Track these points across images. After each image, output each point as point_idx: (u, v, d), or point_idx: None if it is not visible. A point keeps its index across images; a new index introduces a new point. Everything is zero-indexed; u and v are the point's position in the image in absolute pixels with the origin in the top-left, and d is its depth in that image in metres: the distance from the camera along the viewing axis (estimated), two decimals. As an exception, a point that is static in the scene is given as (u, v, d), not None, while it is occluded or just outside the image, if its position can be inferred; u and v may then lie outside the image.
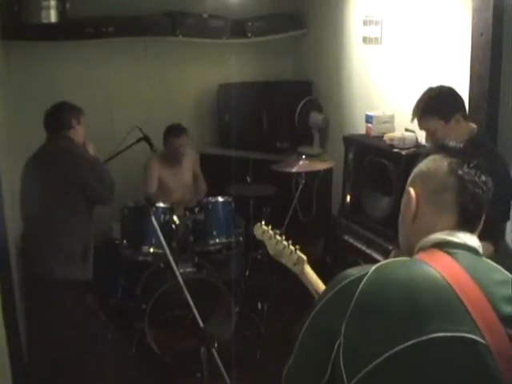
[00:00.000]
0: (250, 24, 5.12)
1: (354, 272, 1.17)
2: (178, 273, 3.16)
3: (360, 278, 1.14)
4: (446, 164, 1.27)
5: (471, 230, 1.26)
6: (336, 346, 1.10)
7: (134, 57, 5.00)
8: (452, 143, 1.35)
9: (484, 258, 1.24)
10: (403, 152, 3.41)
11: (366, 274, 1.14)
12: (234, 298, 3.79)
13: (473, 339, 1.06)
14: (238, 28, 5.13)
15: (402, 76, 3.95)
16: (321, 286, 1.71)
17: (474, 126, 2.71)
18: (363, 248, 3.68)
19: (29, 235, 3.39)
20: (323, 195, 4.91)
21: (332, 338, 1.11)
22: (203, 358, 3.04)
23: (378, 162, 3.59)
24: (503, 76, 3.00)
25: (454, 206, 1.24)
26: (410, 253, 1.27)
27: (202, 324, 3.07)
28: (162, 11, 4.97)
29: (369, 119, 3.98)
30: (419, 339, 1.04)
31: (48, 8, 4.25)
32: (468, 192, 1.24)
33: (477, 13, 3.03)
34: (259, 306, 4.11)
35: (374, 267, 1.16)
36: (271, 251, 1.84)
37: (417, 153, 3.38)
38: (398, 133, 3.71)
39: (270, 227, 1.88)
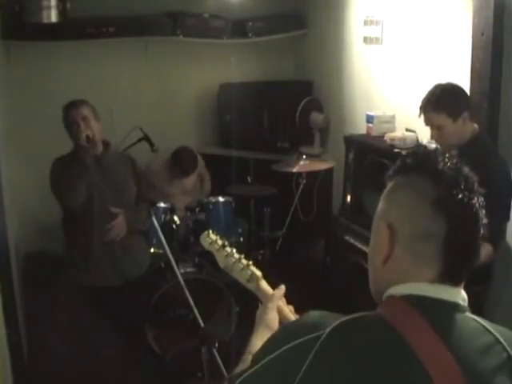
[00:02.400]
0: (250, 24, 5.12)
1: (309, 329, 1.01)
2: (178, 273, 3.15)
3: (315, 339, 0.98)
4: (430, 200, 1.01)
5: (457, 283, 1.04)
6: None
7: (135, 57, 5.00)
8: (441, 164, 1.05)
9: (468, 316, 1.03)
10: (404, 152, 3.40)
11: (322, 334, 0.98)
12: (235, 297, 3.78)
13: None
14: (239, 28, 5.13)
15: (403, 76, 3.95)
16: (280, 305, 1.52)
17: (476, 126, 2.71)
18: (364, 248, 3.67)
19: None
20: (324, 195, 4.91)
21: None
22: (204, 358, 3.03)
23: (378, 162, 3.59)
24: (504, 76, 3.00)
25: (439, 256, 1.02)
26: (378, 297, 1.09)
27: (202, 324, 3.07)
28: (162, 11, 4.97)
29: (369, 119, 3.98)
30: None
31: (49, 8, 4.25)
32: (457, 242, 1.01)
33: (477, 12, 3.03)
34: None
35: (330, 328, 0.99)
36: (221, 264, 1.61)
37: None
38: (399, 133, 3.71)
39: (218, 237, 1.64)
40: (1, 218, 2.81)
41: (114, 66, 4.91)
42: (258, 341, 1.31)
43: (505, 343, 1.01)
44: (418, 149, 1.23)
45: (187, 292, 3.10)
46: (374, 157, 3.67)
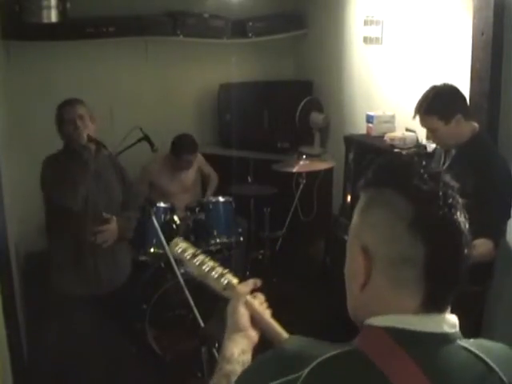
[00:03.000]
0: (250, 24, 5.12)
1: (287, 364, 0.92)
2: (178, 273, 3.15)
3: (293, 381, 0.89)
4: (408, 221, 0.91)
5: (442, 309, 0.94)
6: None
7: (135, 57, 5.00)
8: (416, 179, 0.93)
9: (457, 345, 0.94)
10: (404, 152, 3.40)
11: (300, 377, 0.89)
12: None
13: None
14: (239, 28, 5.13)
15: (403, 76, 3.95)
16: (247, 299, 1.42)
17: (476, 125, 2.70)
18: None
19: None
20: (324, 195, 4.91)
21: None
22: (204, 358, 3.04)
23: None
24: (504, 75, 3.00)
25: (420, 282, 0.91)
26: (358, 322, 0.99)
27: (202, 324, 3.07)
28: (162, 11, 4.97)
29: (369, 119, 3.98)
30: None
31: (49, 8, 4.25)
32: (440, 262, 0.91)
33: (477, 12, 3.03)
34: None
35: (307, 369, 0.89)
36: (194, 272, 1.50)
37: (417, 153, 3.38)
38: (399, 133, 3.71)
39: (189, 245, 1.51)
40: (1, 218, 2.81)
41: (113, 66, 4.91)
42: (230, 345, 1.24)
43: (498, 370, 0.93)
44: (391, 157, 1.09)
45: (187, 292, 3.10)
46: (373, 157, 3.66)
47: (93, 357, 3.00)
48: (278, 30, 5.26)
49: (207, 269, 1.47)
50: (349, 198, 3.98)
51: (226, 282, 1.45)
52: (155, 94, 5.14)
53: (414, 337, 0.91)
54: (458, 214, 0.92)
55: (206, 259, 1.49)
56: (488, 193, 2.46)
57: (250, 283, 1.38)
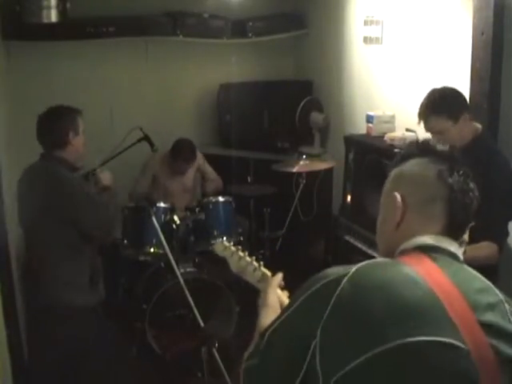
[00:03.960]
0: (250, 24, 5.12)
1: (332, 273, 1.13)
2: (178, 273, 3.16)
3: (339, 279, 1.10)
4: (434, 172, 1.23)
5: (456, 238, 1.23)
6: (312, 346, 1.06)
7: (135, 57, 5.00)
8: (439, 146, 1.28)
9: (465, 266, 1.21)
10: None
11: (346, 274, 1.10)
12: (235, 297, 3.78)
13: (454, 344, 1.03)
14: (239, 28, 5.13)
15: (403, 76, 3.95)
16: (277, 292, 1.62)
17: (478, 125, 2.70)
18: (364, 248, 3.67)
19: (30, 258, 3.06)
20: (324, 195, 4.91)
21: (308, 338, 1.07)
22: (204, 358, 3.04)
23: (378, 162, 3.59)
24: (504, 75, 3.00)
25: (443, 216, 1.21)
26: (390, 256, 1.23)
27: (202, 324, 3.07)
28: (162, 11, 4.97)
29: (369, 119, 3.98)
30: (399, 342, 1.01)
31: (49, 8, 4.25)
32: (458, 203, 1.21)
33: (477, 12, 3.03)
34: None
35: (354, 268, 1.11)
36: (233, 268, 1.76)
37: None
38: (399, 133, 3.71)
39: (231, 243, 1.81)
40: (1, 218, 2.81)
41: (113, 66, 4.91)
42: (264, 322, 1.38)
43: (497, 290, 1.17)
44: (416, 140, 1.45)
45: (187, 292, 3.10)
46: (374, 157, 3.67)
47: (93, 357, 3.00)
48: (278, 30, 5.26)
49: (245, 264, 1.72)
50: (349, 197, 3.98)
51: (260, 274, 1.69)
52: (155, 94, 5.14)
53: (436, 250, 1.18)
54: (471, 185, 1.23)
55: (245, 254, 1.74)
56: (491, 194, 2.44)
57: (280, 276, 1.64)
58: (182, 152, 4.34)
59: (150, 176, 4.45)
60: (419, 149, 1.29)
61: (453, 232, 1.22)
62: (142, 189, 4.41)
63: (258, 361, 1.16)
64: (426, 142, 1.31)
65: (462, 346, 1.03)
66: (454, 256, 1.20)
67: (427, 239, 1.20)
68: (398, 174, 1.29)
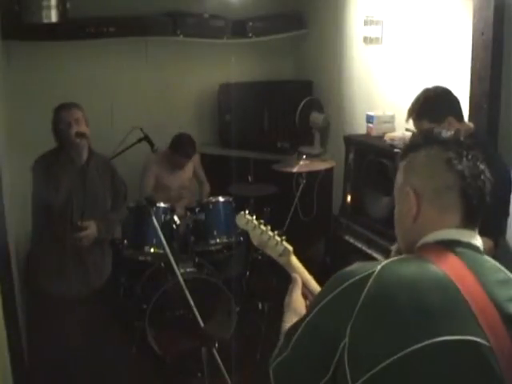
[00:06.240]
0: (250, 24, 5.12)
1: (357, 271, 1.14)
2: (178, 273, 3.16)
3: (365, 278, 1.11)
4: (443, 160, 1.22)
5: (474, 226, 1.24)
6: (341, 346, 1.08)
7: (135, 57, 4.99)
8: (444, 133, 1.27)
9: (486, 257, 1.23)
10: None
11: (372, 273, 1.11)
12: (235, 297, 3.78)
13: (478, 342, 1.06)
14: (239, 28, 5.13)
15: (403, 76, 3.95)
16: (307, 278, 1.66)
17: (471, 125, 2.70)
18: (364, 248, 3.68)
19: None
20: (324, 195, 4.91)
21: (336, 338, 1.09)
22: (204, 358, 3.04)
23: (378, 162, 3.59)
24: (504, 76, 3.00)
25: (458, 204, 1.21)
26: (411, 251, 1.24)
27: (202, 324, 3.07)
28: (162, 11, 4.97)
29: (369, 119, 3.98)
30: (428, 342, 1.04)
31: (49, 8, 4.25)
32: (471, 188, 1.21)
33: (477, 12, 3.03)
34: (259, 305, 4.11)
35: (379, 266, 1.12)
36: (255, 241, 1.77)
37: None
38: (399, 133, 3.71)
39: (254, 217, 1.78)
40: (1, 218, 2.81)
41: (113, 65, 4.91)
42: (288, 323, 1.38)
43: None
44: (418, 134, 1.43)
45: (187, 292, 3.11)
46: (374, 157, 3.67)
47: (93, 356, 3.00)
48: (278, 30, 5.26)
49: (267, 237, 1.73)
50: (349, 197, 3.98)
51: (282, 249, 1.71)
52: (155, 94, 5.14)
53: (458, 244, 1.19)
54: (482, 167, 1.24)
55: (268, 228, 1.74)
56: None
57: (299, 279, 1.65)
58: (182, 146, 4.34)
59: (152, 176, 4.45)
60: (424, 138, 1.29)
61: (470, 220, 1.22)
62: (149, 189, 4.41)
63: (286, 358, 1.18)
64: (430, 131, 1.32)
65: (485, 342, 1.06)
66: (475, 249, 1.21)
67: (449, 233, 1.20)
68: (407, 166, 1.29)
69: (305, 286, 1.59)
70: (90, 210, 3.09)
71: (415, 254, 1.20)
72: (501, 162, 2.67)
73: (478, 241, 1.23)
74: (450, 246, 1.18)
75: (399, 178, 1.30)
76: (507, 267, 1.26)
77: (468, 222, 1.22)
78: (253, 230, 1.75)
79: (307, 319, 1.17)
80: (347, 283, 1.13)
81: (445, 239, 1.19)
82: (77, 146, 3.05)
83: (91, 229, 3.13)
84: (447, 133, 1.27)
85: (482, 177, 1.23)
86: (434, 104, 2.62)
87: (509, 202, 2.63)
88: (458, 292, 1.09)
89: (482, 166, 1.23)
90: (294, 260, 1.74)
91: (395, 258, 1.18)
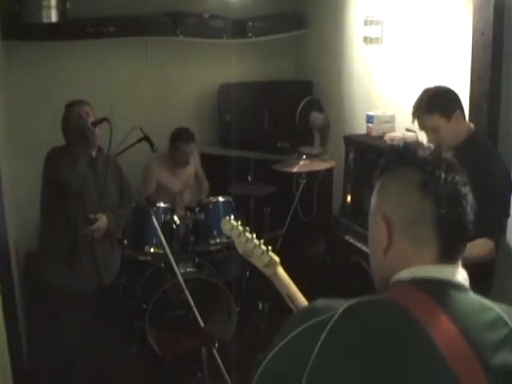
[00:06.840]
0: (250, 24, 5.12)
1: (318, 311, 1.03)
2: (178, 273, 3.16)
3: (325, 321, 1.00)
4: (417, 185, 1.06)
5: (455, 260, 1.08)
6: None
7: (135, 57, 5.00)
8: (421, 151, 1.10)
9: (471, 295, 1.07)
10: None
11: (333, 315, 1.00)
12: (235, 297, 3.78)
13: None
14: (239, 28, 5.13)
15: (403, 76, 3.95)
16: (294, 290, 1.59)
17: (471, 125, 2.72)
18: (364, 248, 3.67)
19: None
20: (324, 195, 4.91)
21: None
22: (204, 358, 3.04)
23: (378, 162, 3.59)
24: (504, 75, 3.00)
25: (434, 236, 1.05)
26: (384, 286, 1.10)
27: (202, 324, 3.07)
28: (162, 11, 4.97)
29: (369, 119, 3.98)
30: None
31: (49, 8, 4.25)
32: (448, 217, 1.05)
33: (477, 12, 3.03)
34: (260, 305, 4.11)
35: (341, 309, 1.01)
36: (240, 250, 1.65)
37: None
38: (399, 133, 3.71)
39: (239, 223, 1.67)
40: (1, 218, 2.81)
41: (113, 66, 4.91)
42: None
43: (506, 318, 1.04)
44: (393, 146, 1.25)
45: (187, 292, 3.10)
46: (373, 157, 3.66)
47: (93, 356, 3.00)
48: (278, 30, 5.26)
49: (252, 246, 1.61)
50: (349, 197, 3.98)
51: (268, 259, 1.59)
52: (155, 93, 5.14)
53: (434, 283, 1.04)
54: (459, 178, 1.08)
55: (253, 237, 1.63)
56: (486, 192, 2.45)
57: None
58: (180, 134, 4.36)
59: (152, 179, 4.44)
60: (398, 157, 1.14)
61: (450, 252, 1.07)
62: (151, 190, 4.40)
63: None
64: (406, 148, 1.14)
65: None
66: (457, 287, 1.06)
67: (424, 270, 1.06)
68: (380, 189, 1.14)
69: (291, 300, 1.54)
70: (100, 200, 3.13)
71: (385, 294, 1.07)
72: (501, 161, 2.67)
73: (460, 275, 1.07)
74: (425, 285, 1.04)
75: (373, 201, 1.16)
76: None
77: (446, 256, 1.07)
78: (237, 237, 1.65)
79: (264, 363, 1.06)
80: (304, 326, 1.02)
81: (419, 277, 1.05)
82: (92, 133, 3.09)
83: (102, 221, 3.18)
84: (425, 151, 1.10)
85: (464, 203, 1.07)
86: (442, 98, 2.64)
87: (509, 202, 2.64)
88: (432, 343, 0.97)
89: (463, 190, 1.07)
90: (281, 271, 1.64)
91: (361, 299, 1.04)
